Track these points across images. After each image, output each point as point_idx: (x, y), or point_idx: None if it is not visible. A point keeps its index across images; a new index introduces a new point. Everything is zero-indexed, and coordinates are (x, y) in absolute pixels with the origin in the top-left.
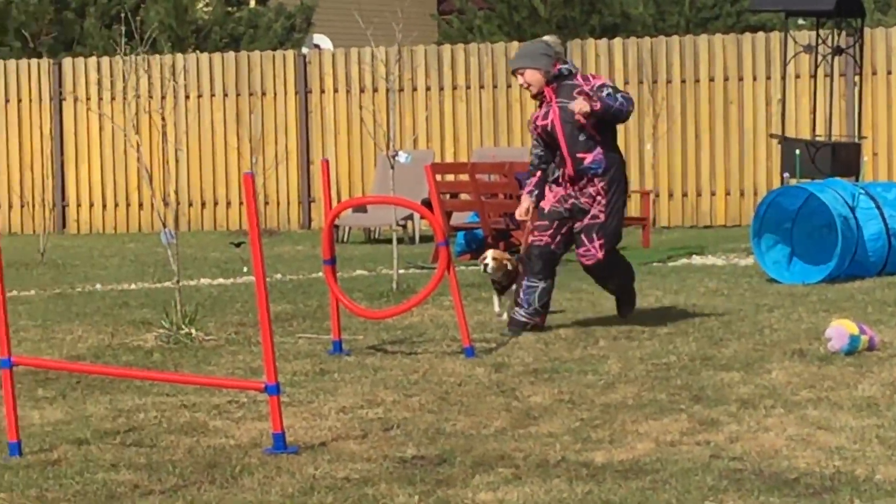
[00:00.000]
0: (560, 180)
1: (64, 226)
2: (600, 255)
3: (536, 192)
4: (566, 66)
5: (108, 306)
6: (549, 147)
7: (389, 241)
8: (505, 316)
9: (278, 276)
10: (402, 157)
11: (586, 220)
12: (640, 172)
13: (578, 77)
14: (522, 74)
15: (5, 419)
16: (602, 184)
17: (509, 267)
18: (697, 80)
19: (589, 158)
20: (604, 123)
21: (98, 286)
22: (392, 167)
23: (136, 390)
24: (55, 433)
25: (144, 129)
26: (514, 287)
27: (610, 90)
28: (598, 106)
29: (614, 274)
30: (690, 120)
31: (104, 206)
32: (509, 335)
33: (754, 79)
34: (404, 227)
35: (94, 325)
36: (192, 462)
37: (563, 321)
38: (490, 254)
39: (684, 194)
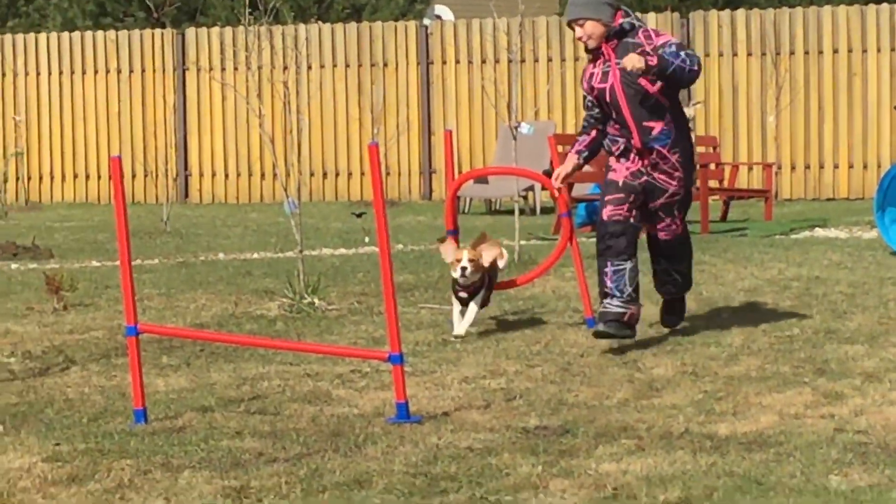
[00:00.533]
0: (627, 154)
1: (187, 195)
2: (681, 228)
3: (587, 153)
4: (628, 19)
5: (231, 275)
6: (606, 111)
7: (511, 212)
8: (463, 332)
9: (400, 246)
10: (524, 128)
11: (665, 199)
12: (763, 145)
13: (640, 34)
14: (582, 26)
15: (131, 386)
16: (676, 156)
17: (485, 263)
18: (821, 52)
19: (658, 128)
20: (671, 87)
21: (221, 255)
22: (514, 138)
23: (259, 359)
24: (180, 400)
25: (267, 100)
26: (481, 294)
27: (673, 47)
28: (653, 61)
29: (687, 250)
30: (813, 92)
31: (226, 176)
32: (607, 329)
33: (878, 50)
34: (525, 198)
35: (217, 294)
36: (316, 430)
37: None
38: (465, 255)
39: (807, 167)
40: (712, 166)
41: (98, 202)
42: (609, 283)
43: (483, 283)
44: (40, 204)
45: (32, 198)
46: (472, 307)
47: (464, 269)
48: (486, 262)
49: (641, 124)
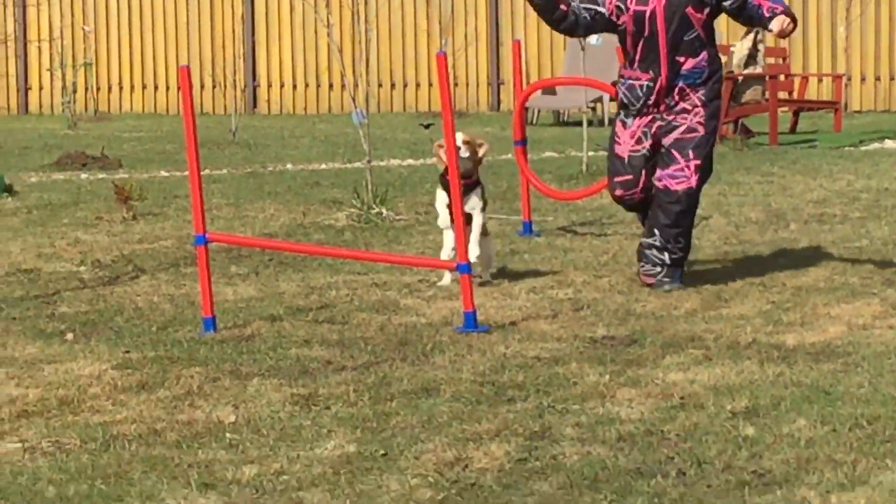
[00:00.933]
0: (633, 107)
1: (255, 106)
2: (694, 180)
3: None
4: None
5: (299, 186)
6: (630, 39)
7: (579, 123)
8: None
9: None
10: (592, 39)
11: (678, 134)
12: (833, 56)
13: None
14: None
15: (200, 295)
16: (700, 93)
17: (481, 154)
18: None
19: (690, 64)
20: (712, 18)
21: (289, 166)
22: (583, 49)
23: (327, 268)
24: (248, 309)
25: (335, 9)
26: (479, 200)
27: None
28: (785, 14)
29: (687, 215)
30: (884, 2)
31: (294, 87)
32: (663, 289)
33: None
34: (594, 109)
35: (285, 204)
36: (384, 339)
37: (753, 204)
38: (460, 135)
39: (877, 78)
40: (781, 78)
41: (167, 113)
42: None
43: (477, 182)
44: (109, 114)
45: (101, 108)
46: (475, 229)
47: (456, 147)
48: (482, 152)
49: (674, 59)
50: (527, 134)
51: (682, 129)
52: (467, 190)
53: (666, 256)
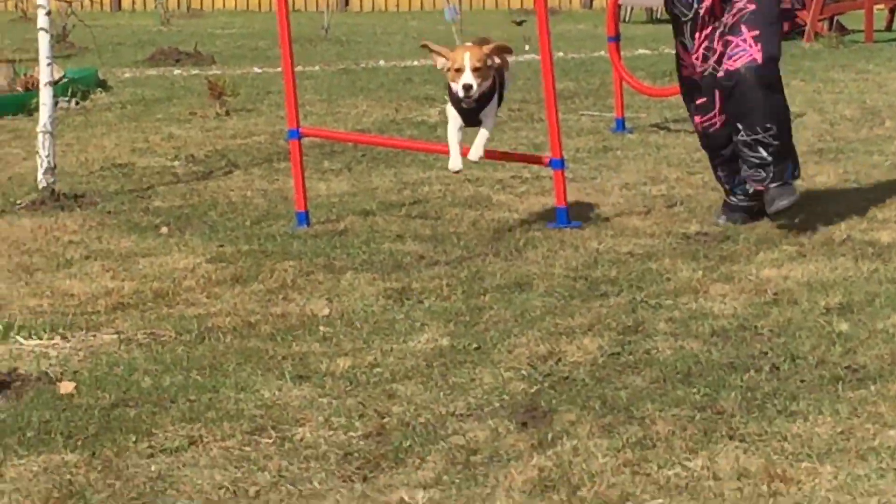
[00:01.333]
0: (694, 22)
1: (347, 3)
2: (754, 51)
3: None
4: None
5: (392, 82)
6: None
7: None
8: (476, 158)
9: (560, 54)
10: None
11: (730, 20)
12: None
13: None
14: None
15: (293, 190)
16: None
17: (490, 63)
18: None
19: None
20: None
21: (381, 62)
22: None
23: (420, 164)
24: (342, 204)
25: None
26: (492, 107)
27: None
28: None
29: (767, 93)
30: None
31: None
32: (725, 223)
33: None
34: None
35: (377, 101)
36: (477, 234)
37: (848, 101)
38: (467, 60)
39: None
40: None
41: (258, 10)
42: (726, 185)
43: (494, 90)
44: (202, 11)
45: (194, 5)
46: (483, 132)
47: (467, 87)
48: (498, 59)
49: None
50: (620, 31)
51: (732, 12)
52: (483, 104)
53: (762, 151)
